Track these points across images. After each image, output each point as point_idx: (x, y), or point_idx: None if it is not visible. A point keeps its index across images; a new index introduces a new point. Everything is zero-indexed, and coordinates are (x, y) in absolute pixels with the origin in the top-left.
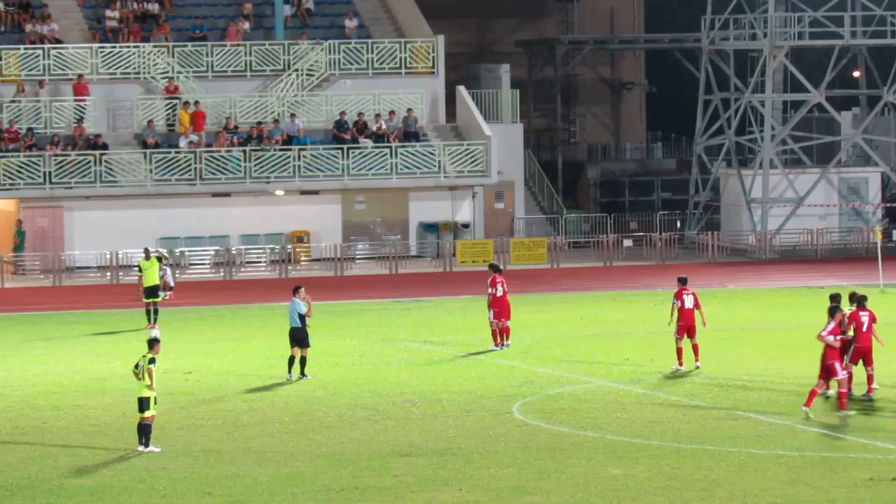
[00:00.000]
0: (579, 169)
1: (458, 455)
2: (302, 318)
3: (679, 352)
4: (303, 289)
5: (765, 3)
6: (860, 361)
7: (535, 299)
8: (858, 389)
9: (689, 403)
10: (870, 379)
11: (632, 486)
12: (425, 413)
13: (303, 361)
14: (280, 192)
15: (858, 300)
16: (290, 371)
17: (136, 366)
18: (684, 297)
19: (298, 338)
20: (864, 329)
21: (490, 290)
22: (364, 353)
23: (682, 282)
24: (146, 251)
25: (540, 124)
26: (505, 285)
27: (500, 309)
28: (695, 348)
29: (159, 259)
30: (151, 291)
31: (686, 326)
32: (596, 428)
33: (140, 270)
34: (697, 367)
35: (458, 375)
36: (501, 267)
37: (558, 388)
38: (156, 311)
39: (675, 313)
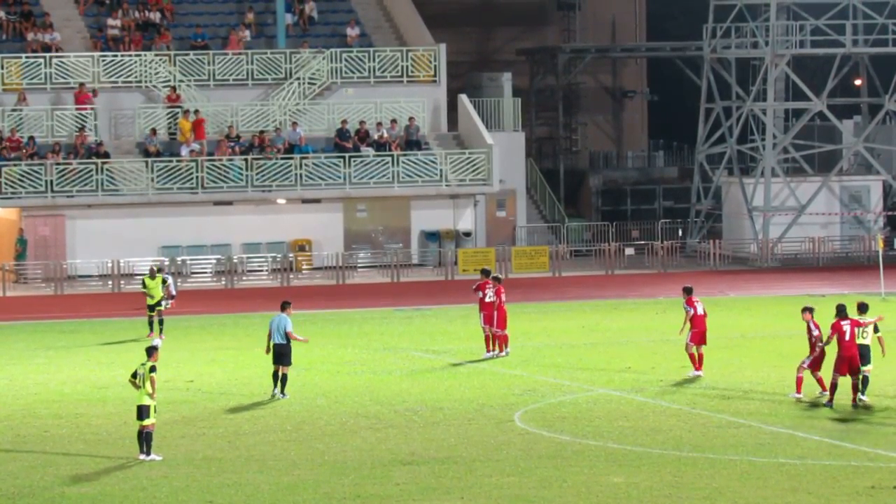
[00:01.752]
0: (581, 177)
1: (459, 463)
2: (287, 335)
3: (692, 357)
4: (290, 305)
5: (766, 11)
6: (847, 371)
7: (536, 308)
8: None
9: (691, 412)
10: (854, 388)
11: (633, 494)
12: (427, 421)
13: (283, 379)
14: (282, 201)
15: (839, 310)
16: (275, 387)
17: (135, 374)
18: (696, 304)
19: (282, 354)
20: (847, 338)
21: (478, 295)
22: (366, 361)
23: (689, 291)
24: (152, 270)
25: (542, 132)
26: (501, 293)
27: (488, 314)
28: (700, 357)
29: (164, 281)
30: (154, 305)
31: (701, 333)
32: (598, 436)
33: (144, 287)
34: (699, 376)
35: (459, 384)
36: (496, 274)
37: (560, 396)
38: (160, 322)
39: (688, 321)
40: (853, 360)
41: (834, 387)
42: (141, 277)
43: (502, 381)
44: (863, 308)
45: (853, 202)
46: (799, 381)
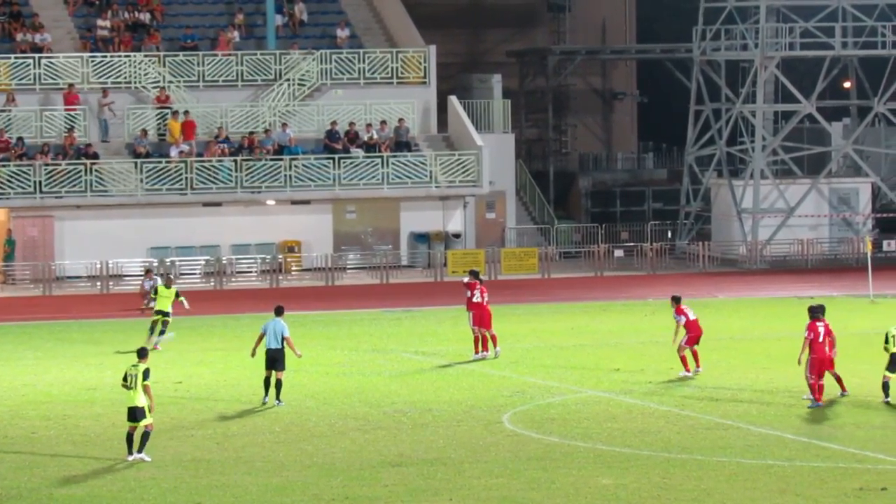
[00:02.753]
0: (570, 179)
1: (448, 465)
2: (283, 340)
3: (683, 360)
4: (284, 310)
5: (756, 13)
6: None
7: (525, 309)
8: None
9: (680, 413)
10: (821, 387)
11: (622, 495)
12: (416, 423)
13: (278, 385)
14: (271, 202)
15: (814, 311)
16: (266, 394)
17: (125, 377)
18: (686, 311)
19: (276, 359)
20: (821, 340)
21: (467, 293)
22: (354, 363)
23: (677, 300)
24: (167, 278)
25: (531, 134)
26: (485, 293)
27: (476, 314)
28: (695, 354)
29: (178, 294)
30: (163, 312)
31: (696, 338)
32: (586, 438)
33: (155, 294)
34: (698, 371)
35: (448, 385)
36: (480, 274)
37: (549, 398)
38: (164, 325)
39: (682, 328)
40: (823, 363)
41: (817, 388)
42: (130, 278)
43: (491, 383)
44: None
45: (842, 204)
46: (821, 388)
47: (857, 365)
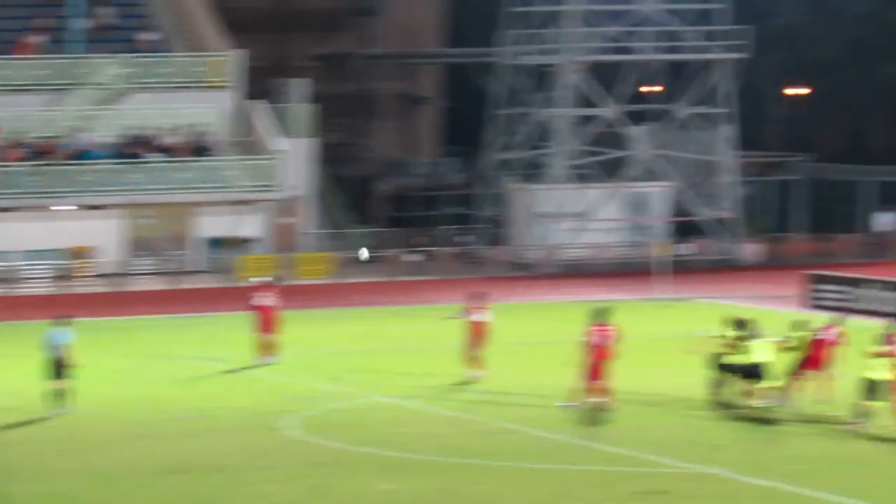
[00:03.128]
0: (372, 183)
1: (228, 472)
2: (64, 348)
3: (471, 360)
4: (68, 318)
5: (564, 18)
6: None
7: (318, 314)
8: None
9: (465, 418)
10: (603, 391)
11: (403, 500)
12: (200, 429)
13: (63, 394)
14: (66, 207)
15: (597, 314)
16: (53, 403)
17: None
18: (482, 312)
19: (59, 368)
20: (601, 343)
21: (252, 300)
22: (141, 369)
23: (476, 296)
24: None
25: (335, 139)
26: (275, 297)
27: (262, 317)
28: (480, 359)
29: None
30: None
31: (480, 341)
32: (371, 443)
33: None
34: (483, 375)
35: (235, 391)
36: (276, 280)
37: (336, 403)
38: None
39: (468, 325)
40: (602, 366)
41: (597, 391)
42: None
43: (279, 389)
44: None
45: (639, 209)
46: (604, 389)
47: (644, 368)
